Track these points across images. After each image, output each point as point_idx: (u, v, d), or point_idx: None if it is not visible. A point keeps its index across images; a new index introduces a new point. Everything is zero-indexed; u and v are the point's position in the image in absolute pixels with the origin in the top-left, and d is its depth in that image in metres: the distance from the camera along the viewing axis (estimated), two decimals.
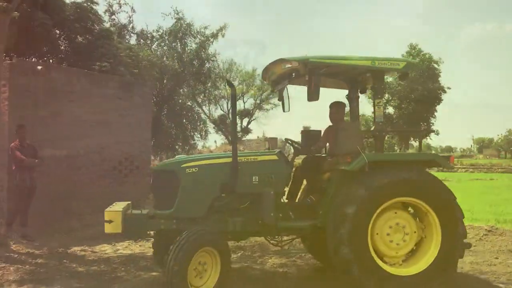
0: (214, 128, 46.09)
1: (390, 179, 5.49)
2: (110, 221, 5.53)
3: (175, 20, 23.14)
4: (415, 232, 5.69)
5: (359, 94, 6.85)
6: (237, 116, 49.08)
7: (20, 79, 9.57)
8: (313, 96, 5.44)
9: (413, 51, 52.47)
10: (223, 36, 24.68)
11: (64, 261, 7.47)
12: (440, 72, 52.78)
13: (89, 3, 14.12)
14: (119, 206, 5.86)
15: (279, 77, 6.44)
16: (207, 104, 40.86)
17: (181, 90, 24.05)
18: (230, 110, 5.94)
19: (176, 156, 6.28)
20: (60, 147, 10.20)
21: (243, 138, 47.58)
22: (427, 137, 55.71)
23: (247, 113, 48.28)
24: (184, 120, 23.59)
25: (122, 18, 25.31)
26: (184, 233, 5.17)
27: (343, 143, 6.00)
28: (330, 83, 6.87)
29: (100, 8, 20.13)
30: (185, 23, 23.40)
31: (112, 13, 22.40)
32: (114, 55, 13.64)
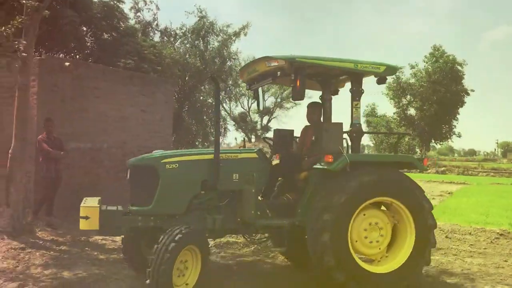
0: (234, 125, 46.48)
1: (369, 180, 5.62)
2: (86, 217, 5.33)
3: (198, 18, 23.55)
4: (388, 223, 5.86)
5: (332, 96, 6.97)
6: (258, 114, 49.35)
7: (48, 75, 10.03)
8: (298, 95, 5.51)
9: (437, 52, 52.01)
10: (245, 34, 25.02)
11: (86, 248, 7.90)
12: (464, 74, 52.28)
13: (115, 1, 14.56)
14: (93, 201, 5.67)
15: (261, 75, 6.32)
16: (227, 102, 41.26)
17: (202, 88, 24.47)
18: (214, 105, 5.86)
19: (154, 151, 6.04)
20: (84, 141, 10.65)
21: (263, 136, 47.84)
22: (449, 140, 55.31)
23: (268, 111, 48.50)
24: (205, 117, 24.01)
25: (147, 15, 25.84)
26: (168, 231, 5.07)
27: (326, 143, 5.91)
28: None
29: (126, 6, 20.62)
30: (208, 21, 23.79)
31: (138, 10, 22.95)
32: (138, 53, 14.06)
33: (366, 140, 58.30)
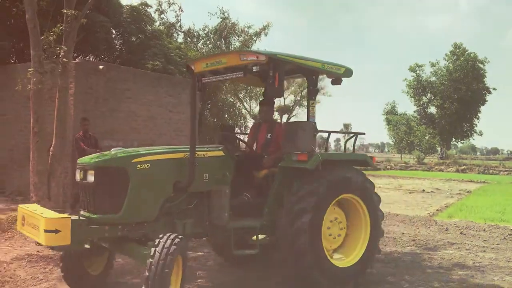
0: (254, 123, 47.09)
1: (336, 178, 5.71)
2: (55, 231, 4.31)
3: (221, 19, 24.16)
4: (344, 217, 6.05)
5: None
6: (277, 112, 49.78)
7: (83, 77, 10.73)
8: (277, 92, 5.41)
9: (457, 50, 51.78)
10: (265, 35, 25.56)
11: None
12: (486, 72, 51.94)
13: (143, 6, 15.23)
14: (34, 206, 5.13)
15: (227, 69, 5.89)
16: (247, 100, 41.81)
17: (223, 87, 25.09)
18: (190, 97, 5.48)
19: (113, 149, 5.22)
20: (116, 139, 11.32)
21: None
22: (470, 138, 54.96)
23: (287, 110, 48.99)
24: (226, 115, 24.63)
25: (171, 17, 26.57)
26: (160, 241, 4.40)
27: (301, 142, 5.71)
28: (251, 80, 7.07)
29: (152, 10, 21.32)
30: (230, 22, 24.38)
31: (162, 12, 23.65)
32: (165, 55, 14.70)
33: (385, 138, 58.19)
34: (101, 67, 11.01)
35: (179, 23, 24.53)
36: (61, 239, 4.35)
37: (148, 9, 15.34)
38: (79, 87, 10.56)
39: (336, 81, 6.32)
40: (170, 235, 4.49)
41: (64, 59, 9.01)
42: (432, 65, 53.43)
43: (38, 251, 7.40)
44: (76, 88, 10.45)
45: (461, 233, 10.18)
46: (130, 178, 4.87)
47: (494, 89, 53.20)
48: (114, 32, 14.76)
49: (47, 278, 6.10)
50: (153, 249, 4.33)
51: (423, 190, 20.99)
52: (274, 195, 5.73)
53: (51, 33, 8.97)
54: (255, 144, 6.66)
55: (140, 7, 15.14)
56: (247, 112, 44.28)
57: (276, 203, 5.69)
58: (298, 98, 50.19)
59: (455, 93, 50.10)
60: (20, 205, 5.08)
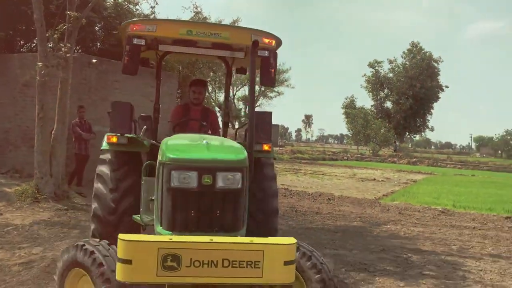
0: (218, 111, 48.59)
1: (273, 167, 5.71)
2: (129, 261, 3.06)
3: (194, 13, 25.51)
4: None
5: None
6: (242, 102, 51.48)
7: (79, 70, 12.09)
8: (274, 81, 5.25)
9: (414, 49, 54.85)
10: None
11: None
12: (439, 71, 55.27)
13: (126, 3, 16.53)
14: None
15: (221, 45, 5.29)
16: (216, 91, 43.26)
17: (193, 77, 26.52)
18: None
19: (204, 140, 4.17)
20: (107, 125, 12.69)
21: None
22: (422, 133, 58.44)
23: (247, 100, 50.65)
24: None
25: (145, 9, 27.65)
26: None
27: (261, 131, 5.25)
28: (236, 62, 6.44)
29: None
30: (203, 17, 25.75)
31: (136, 4, 24.80)
32: None
33: (344, 130, 61.00)
34: (94, 60, 12.40)
35: (153, 15, 25.67)
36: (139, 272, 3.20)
37: (131, 6, 16.57)
38: (75, 78, 11.87)
39: (241, 70, 6.18)
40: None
41: (68, 55, 10.38)
42: (390, 62, 56.37)
43: (49, 218, 8.89)
44: (72, 79, 11.80)
45: (399, 213, 12.23)
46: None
47: (447, 86, 56.69)
48: (98, 26, 16.00)
49: (68, 235, 7.64)
50: None
51: (374, 179, 23.22)
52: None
53: (56, 32, 10.32)
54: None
55: (124, 3, 16.40)
56: (212, 101, 45.77)
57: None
58: (263, 89, 51.95)
59: (410, 89, 53.19)
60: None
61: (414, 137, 63.80)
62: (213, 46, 5.33)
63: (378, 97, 56.00)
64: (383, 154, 50.97)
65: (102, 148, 5.48)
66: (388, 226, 10.44)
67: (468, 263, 7.50)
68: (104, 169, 5.34)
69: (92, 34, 15.52)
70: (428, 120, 56.35)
